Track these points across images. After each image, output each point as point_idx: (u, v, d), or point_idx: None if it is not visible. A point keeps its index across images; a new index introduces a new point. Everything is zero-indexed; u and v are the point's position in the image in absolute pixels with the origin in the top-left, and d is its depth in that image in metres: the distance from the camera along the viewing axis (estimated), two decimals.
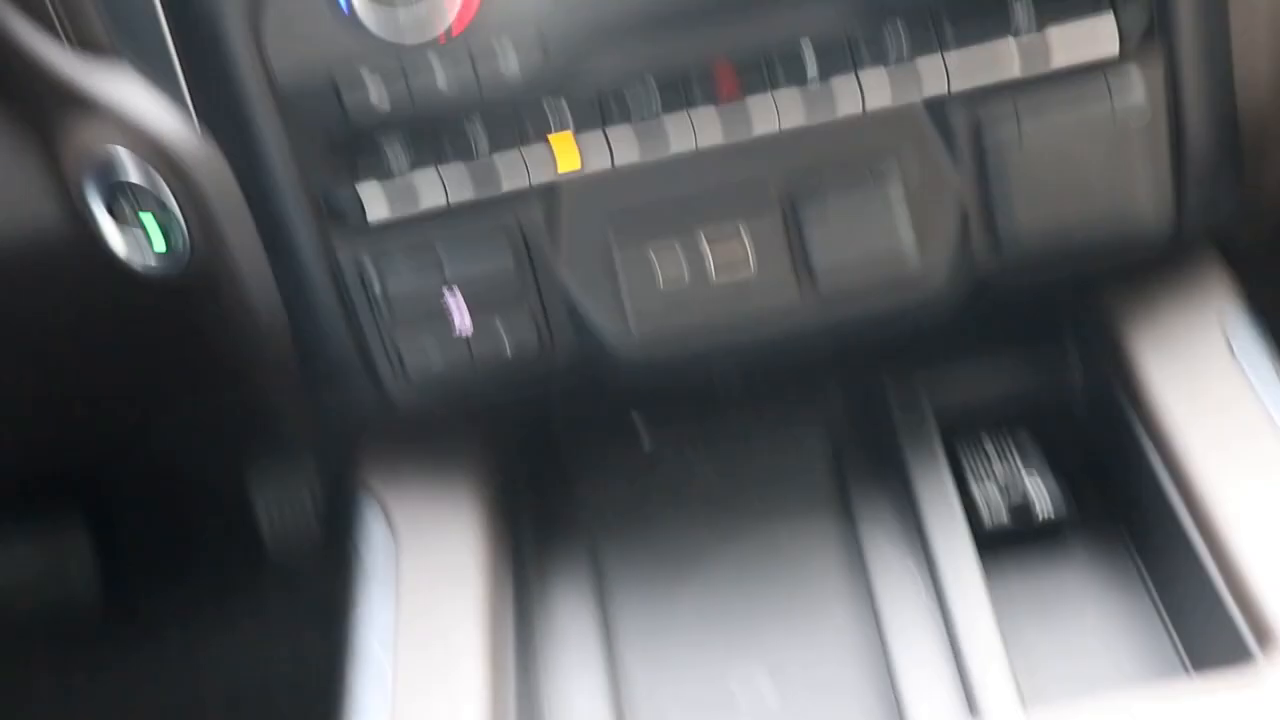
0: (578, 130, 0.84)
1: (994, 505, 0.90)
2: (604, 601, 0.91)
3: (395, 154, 0.83)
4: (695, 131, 0.84)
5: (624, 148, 0.84)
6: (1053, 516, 0.90)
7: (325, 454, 0.96)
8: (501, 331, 0.87)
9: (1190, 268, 0.91)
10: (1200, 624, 0.79)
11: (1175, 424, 0.82)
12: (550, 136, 0.84)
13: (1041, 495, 0.90)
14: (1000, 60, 0.84)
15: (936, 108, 0.85)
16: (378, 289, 0.85)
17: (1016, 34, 0.84)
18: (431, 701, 0.78)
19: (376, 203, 0.84)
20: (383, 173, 0.83)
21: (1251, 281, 0.91)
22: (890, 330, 0.91)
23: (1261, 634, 0.71)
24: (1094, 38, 0.85)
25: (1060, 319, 0.95)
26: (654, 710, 0.86)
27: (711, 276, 0.86)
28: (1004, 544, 0.89)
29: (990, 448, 0.93)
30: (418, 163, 0.84)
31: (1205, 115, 0.87)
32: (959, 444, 0.93)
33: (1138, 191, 0.87)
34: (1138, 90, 0.85)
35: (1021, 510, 0.90)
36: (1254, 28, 0.86)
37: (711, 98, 0.84)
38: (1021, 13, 0.84)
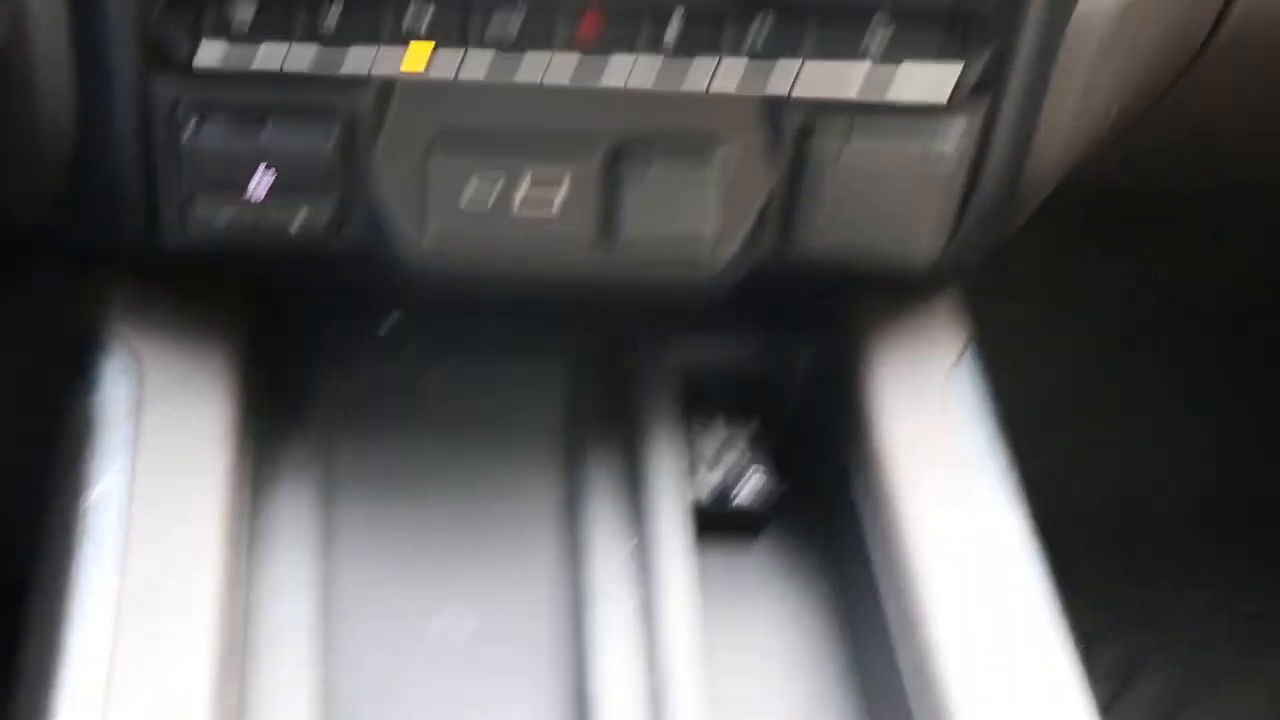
0: (431, 33, 0.81)
1: (699, 483, 0.95)
2: (326, 502, 0.91)
3: (242, 8, 0.78)
4: (546, 68, 0.83)
5: (473, 63, 0.82)
6: (746, 506, 0.95)
7: (72, 287, 0.90)
8: (296, 209, 0.83)
9: (934, 300, 0.97)
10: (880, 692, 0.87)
11: (890, 463, 0.89)
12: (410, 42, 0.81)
13: (747, 484, 0.96)
14: (845, 80, 0.86)
15: (775, 106, 0.86)
16: (186, 135, 0.80)
17: (868, 59, 0.86)
18: (161, 595, 0.77)
19: (209, 50, 0.79)
20: (222, 26, 0.78)
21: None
22: (657, 296, 0.93)
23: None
24: (932, 83, 0.87)
25: (808, 324, 0.99)
26: (357, 637, 0.87)
27: (514, 208, 0.85)
28: (715, 528, 0.94)
29: (720, 423, 0.98)
30: (263, 26, 0.78)
31: (1000, 172, 0.92)
32: (691, 412, 0.97)
33: (923, 226, 0.91)
34: (952, 140, 0.89)
35: (721, 493, 0.95)
36: (1064, 104, 0.91)
37: (572, 41, 0.82)
38: (878, 42, 0.85)
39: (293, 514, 0.89)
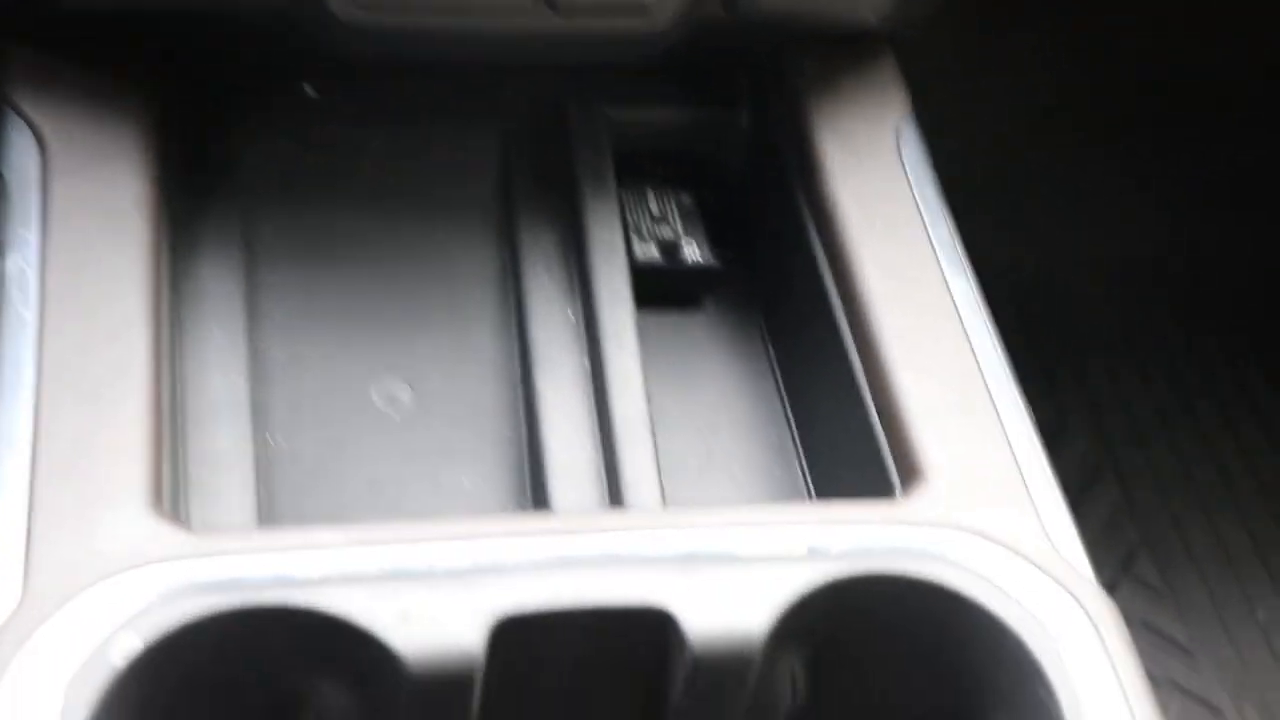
0: None
1: (646, 238, 0.92)
2: (251, 274, 0.87)
3: None
4: None
5: None
6: (686, 268, 0.93)
7: None
8: None
9: (874, 66, 0.94)
10: (840, 447, 0.86)
11: (845, 223, 0.86)
12: None
13: (691, 245, 0.93)
14: None
15: None
16: None
17: None
18: (86, 369, 0.73)
19: None
20: None
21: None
22: (597, 56, 0.90)
23: (905, 470, 0.78)
24: None
25: (751, 89, 0.96)
26: (293, 409, 0.84)
27: None
28: (655, 298, 0.92)
29: (652, 196, 0.95)
30: None
31: None
32: (624, 186, 0.94)
33: None
34: None
35: (671, 248, 0.93)
36: None
37: None
38: None
39: (218, 286, 0.85)
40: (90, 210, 0.78)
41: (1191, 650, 1.37)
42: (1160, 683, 1.31)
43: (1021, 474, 0.77)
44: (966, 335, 0.82)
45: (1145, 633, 1.34)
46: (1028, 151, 1.49)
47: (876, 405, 0.80)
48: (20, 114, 0.81)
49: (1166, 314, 1.58)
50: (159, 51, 0.86)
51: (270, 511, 0.81)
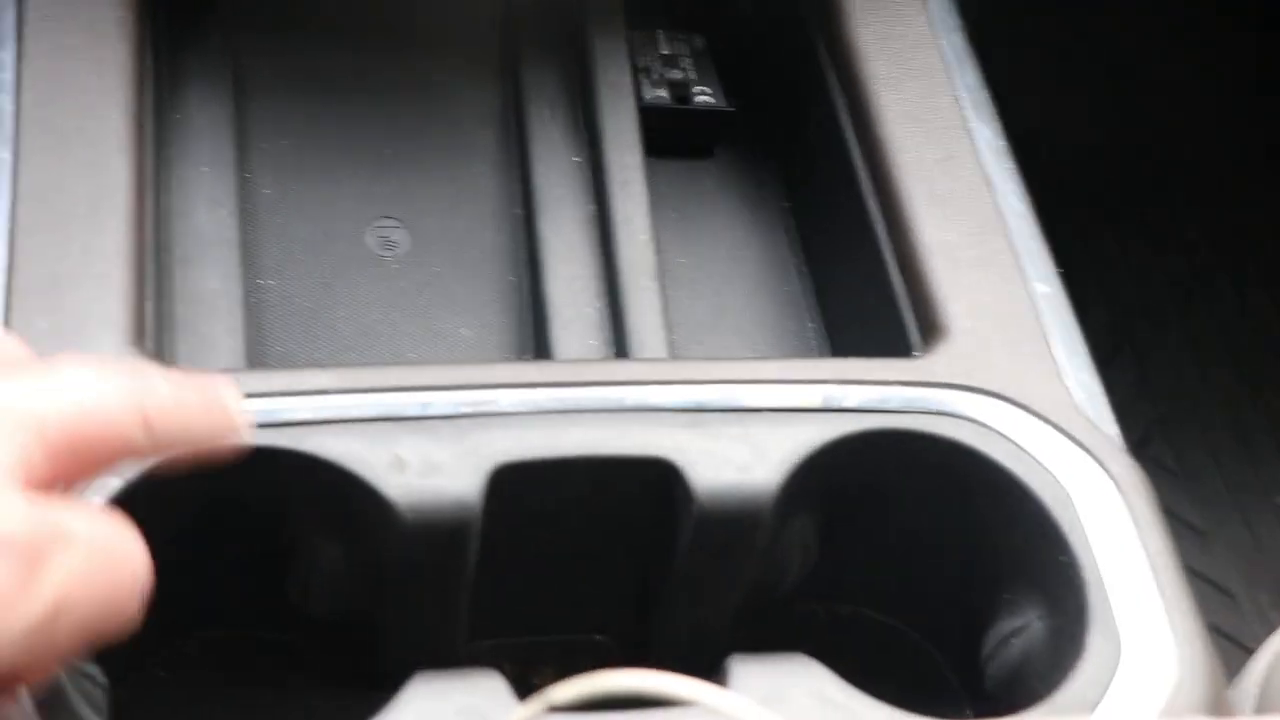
0: None
1: (656, 81, 0.88)
2: (241, 106, 0.83)
3: None
4: None
5: None
6: (712, 103, 0.88)
7: None
8: None
9: None
10: (856, 301, 0.82)
11: (865, 68, 0.82)
12: None
13: (703, 89, 0.89)
14: None
15: None
16: None
17: None
18: (65, 196, 0.69)
19: None
20: None
21: None
22: None
23: (925, 326, 0.74)
24: None
25: None
26: (284, 249, 0.81)
27: None
28: (665, 144, 0.88)
29: (663, 38, 0.90)
30: None
31: None
32: (633, 26, 0.89)
33: None
34: None
35: (682, 90, 0.88)
36: None
37: None
38: None
39: (205, 116, 0.81)
40: (69, 31, 0.74)
41: (1205, 534, 1.35)
42: None
43: (1045, 333, 0.73)
44: (991, 186, 0.78)
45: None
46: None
47: (896, 258, 0.77)
48: None
49: (1181, 186, 1.53)
50: None
51: (259, 357, 0.77)
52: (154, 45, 0.78)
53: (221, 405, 0.55)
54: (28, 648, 0.45)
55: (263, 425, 0.64)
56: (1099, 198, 1.54)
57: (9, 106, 0.71)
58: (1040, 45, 1.53)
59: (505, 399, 0.66)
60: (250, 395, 0.64)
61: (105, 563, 0.48)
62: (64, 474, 0.49)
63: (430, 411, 0.65)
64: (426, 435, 0.65)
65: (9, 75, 0.72)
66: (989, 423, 0.69)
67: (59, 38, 0.73)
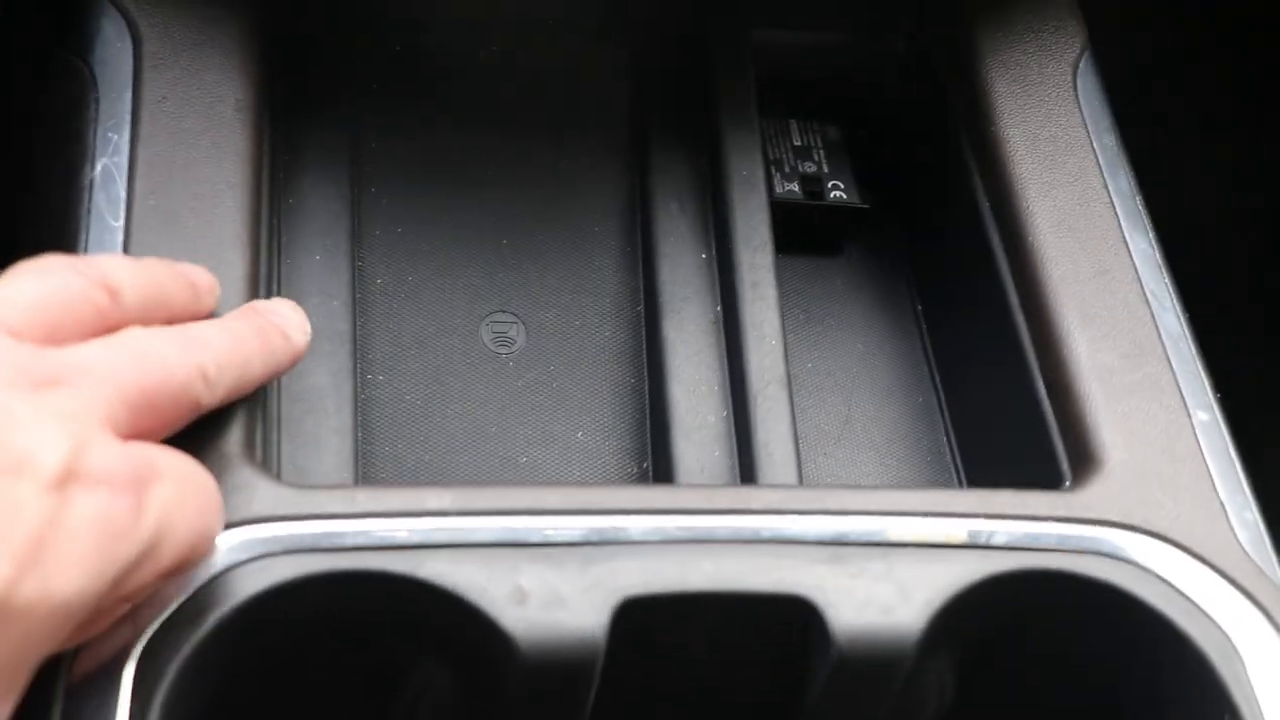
0: None
1: (788, 174, 0.84)
2: (358, 192, 0.79)
3: None
4: None
5: None
6: (845, 198, 0.84)
7: None
8: None
9: (1049, 1, 0.85)
10: (997, 420, 0.77)
11: (1015, 170, 0.77)
12: None
13: (836, 183, 0.84)
14: None
15: None
16: None
17: None
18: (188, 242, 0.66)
19: None
20: None
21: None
22: None
23: (1077, 455, 0.69)
24: None
25: (910, 14, 0.87)
26: (396, 344, 0.77)
27: None
28: (795, 240, 0.83)
29: (796, 128, 0.86)
30: None
31: None
32: (766, 115, 0.84)
33: None
34: None
35: (814, 184, 0.84)
36: None
37: None
38: None
39: (322, 203, 0.78)
40: (186, 113, 0.70)
41: None
42: None
43: (1208, 466, 0.68)
44: (1148, 302, 0.73)
45: None
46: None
47: (1044, 377, 0.72)
48: (115, 4, 0.73)
49: None
50: None
51: (368, 456, 0.74)
52: (272, 129, 0.75)
53: (280, 335, 0.64)
54: (140, 569, 0.52)
55: (378, 548, 0.60)
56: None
57: (122, 193, 0.68)
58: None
59: (632, 526, 0.62)
60: (366, 514, 0.61)
61: (193, 491, 0.55)
62: (143, 429, 0.56)
63: (553, 538, 0.61)
64: (549, 564, 0.61)
65: (124, 159, 0.69)
66: (1148, 565, 0.65)
67: (176, 122, 0.70)
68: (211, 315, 0.64)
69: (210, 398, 0.59)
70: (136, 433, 0.55)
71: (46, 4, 0.75)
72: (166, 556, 0.53)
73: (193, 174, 0.69)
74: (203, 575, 0.59)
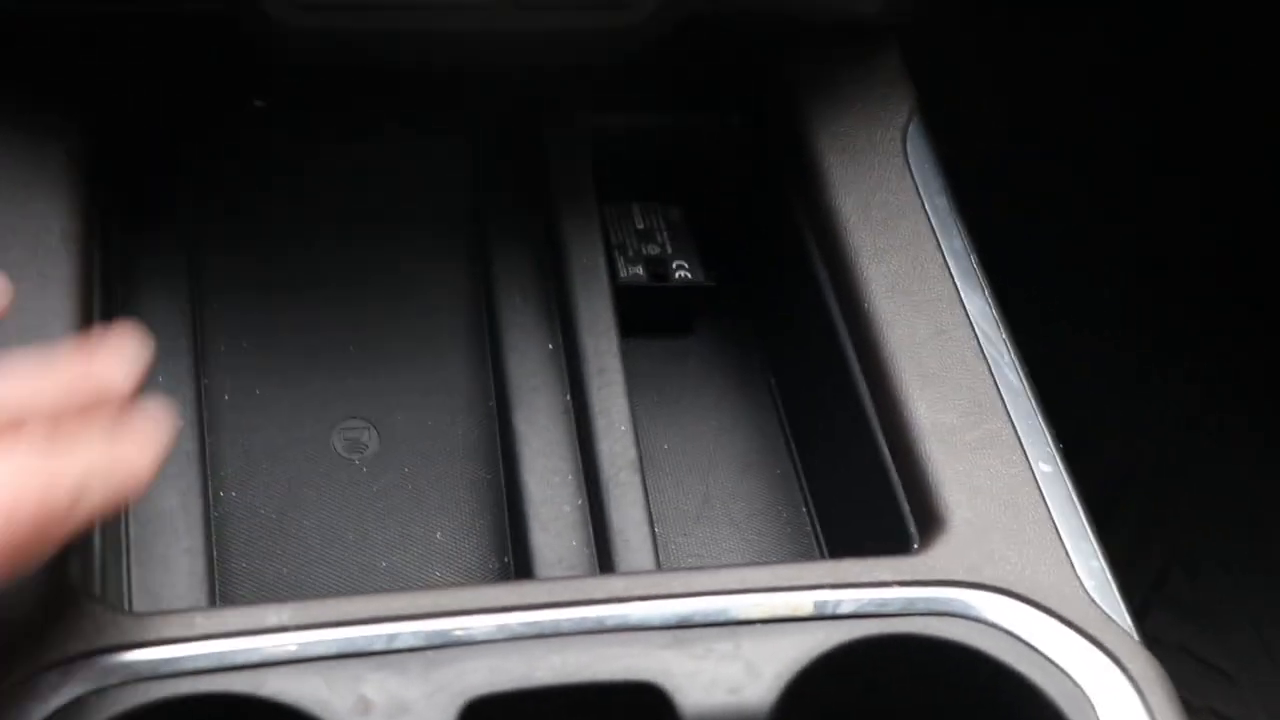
0: None
1: (631, 258, 0.84)
2: (198, 309, 0.79)
3: None
4: None
5: None
6: (690, 278, 0.85)
7: None
8: None
9: (877, 61, 0.86)
10: (850, 487, 0.78)
11: (849, 238, 0.78)
12: None
13: (681, 264, 0.85)
14: None
15: None
16: None
17: None
18: None
19: None
20: None
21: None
22: (571, 57, 0.82)
23: (923, 516, 0.70)
24: None
25: (742, 90, 0.88)
26: (248, 457, 0.77)
27: None
28: (643, 323, 0.84)
29: (637, 211, 0.87)
30: None
31: None
32: (606, 200, 0.85)
33: None
34: None
35: (659, 267, 0.85)
36: None
37: None
38: None
39: (161, 323, 0.78)
40: (11, 244, 0.70)
41: (1231, 675, 1.29)
42: (1199, 711, 1.23)
43: (1052, 518, 0.69)
44: (986, 360, 0.74)
45: (1182, 657, 1.26)
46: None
47: (889, 441, 0.73)
48: None
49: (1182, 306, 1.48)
50: (88, 66, 0.78)
51: (222, 574, 0.73)
52: (104, 252, 0.75)
53: (140, 443, 0.60)
54: None
55: (220, 669, 0.60)
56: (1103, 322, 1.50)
57: None
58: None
59: (476, 626, 0.62)
60: (206, 636, 0.61)
61: None
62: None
63: (396, 645, 0.61)
64: (393, 671, 0.60)
65: None
66: (997, 621, 0.65)
67: (1, 254, 0.70)
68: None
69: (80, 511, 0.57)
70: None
71: None
72: None
73: (20, 305, 0.68)
74: (44, 711, 0.58)
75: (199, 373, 0.77)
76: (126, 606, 0.67)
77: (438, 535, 0.77)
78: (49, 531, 0.55)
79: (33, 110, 0.75)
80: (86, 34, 0.77)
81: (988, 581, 0.66)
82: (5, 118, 0.74)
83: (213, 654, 0.60)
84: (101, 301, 0.73)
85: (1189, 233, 1.49)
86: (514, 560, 0.76)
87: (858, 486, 0.75)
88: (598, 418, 0.76)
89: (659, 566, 0.72)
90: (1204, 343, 1.48)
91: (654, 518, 0.74)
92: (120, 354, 0.61)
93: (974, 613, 0.65)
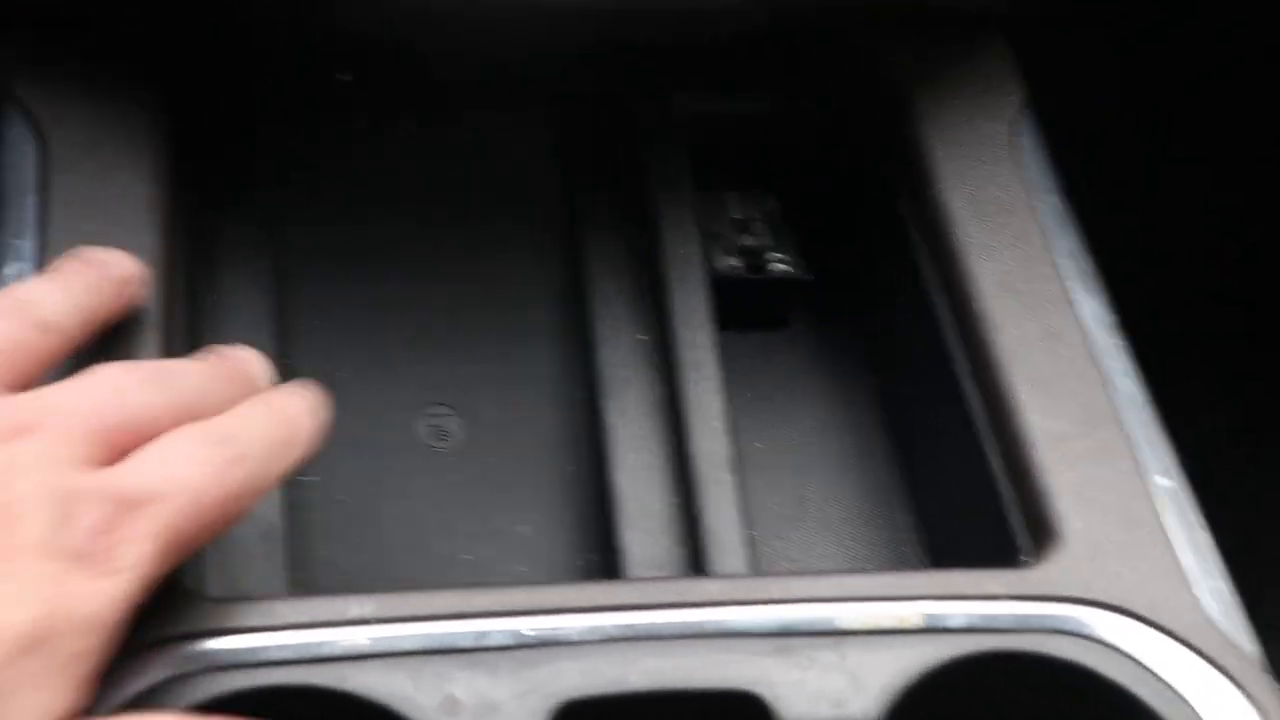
0: None
1: (727, 248, 0.82)
2: (280, 289, 0.77)
3: None
4: None
5: None
6: (789, 271, 0.82)
7: None
8: None
9: (986, 50, 0.83)
10: (955, 494, 0.75)
11: (957, 234, 0.75)
12: None
13: (778, 255, 0.82)
14: None
15: None
16: None
17: None
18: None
19: None
20: None
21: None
22: (665, 38, 0.79)
23: (1034, 528, 0.67)
24: None
25: (844, 78, 0.85)
26: (328, 445, 0.74)
27: None
28: (738, 316, 0.81)
29: (734, 200, 0.84)
30: None
31: None
32: (701, 188, 0.82)
33: None
34: None
35: (755, 258, 0.82)
36: None
37: None
38: None
39: (242, 303, 0.75)
40: (94, 215, 0.68)
41: None
42: None
43: (1168, 533, 0.66)
44: (1099, 366, 0.71)
45: None
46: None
47: (997, 447, 0.70)
48: (18, 104, 0.71)
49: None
50: (174, 38, 0.76)
51: (301, 565, 0.71)
52: (188, 226, 0.73)
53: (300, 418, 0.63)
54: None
55: (303, 661, 0.58)
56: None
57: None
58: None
59: (569, 626, 0.60)
60: (289, 626, 0.58)
61: (189, 500, 0.56)
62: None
63: (486, 642, 0.59)
64: (483, 670, 0.58)
65: (29, 266, 0.67)
66: (1112, 641, 0.62)
67: (83, 225, 0.68)
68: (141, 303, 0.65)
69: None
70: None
71: None
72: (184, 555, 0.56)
73: None
74: (121, 697, 0.56)
75: (282, 353, 0.75)
76: (205, 591, 0.65)
77: (522, 528, 0.74)
78: (233, 508, 0.57)
79: (115, 81, 0.73)
80: (170, 5, 0.74)
81: (1103, 599, 0.63)
82: (88, 89, 0.72)
83: (295, 645, 0.58)
84: (184, 277, 0.71)
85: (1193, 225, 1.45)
86: (601, 558, 0.73)
87: (962, 493, 0.72)
88: (692, 413, 0.73)
89: (753, 570, 0.70)
90: (1206, 343, 1.44)
91: (748, 519, 0.71)
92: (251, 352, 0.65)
93: (1088, 631, 0.62)
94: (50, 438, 0.54)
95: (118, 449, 0.56)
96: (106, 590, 0.53)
